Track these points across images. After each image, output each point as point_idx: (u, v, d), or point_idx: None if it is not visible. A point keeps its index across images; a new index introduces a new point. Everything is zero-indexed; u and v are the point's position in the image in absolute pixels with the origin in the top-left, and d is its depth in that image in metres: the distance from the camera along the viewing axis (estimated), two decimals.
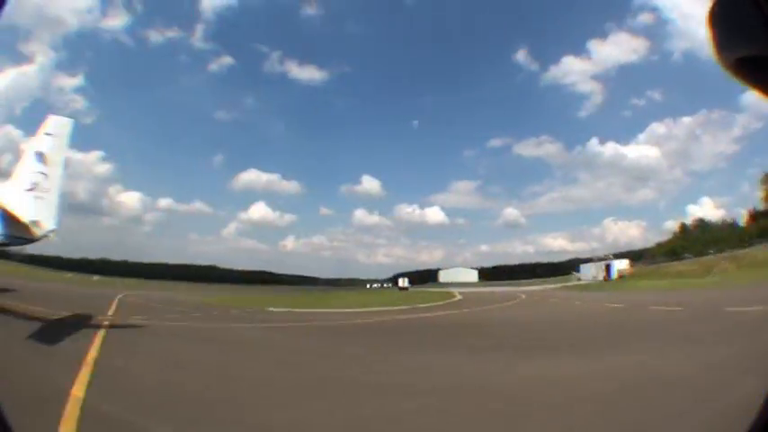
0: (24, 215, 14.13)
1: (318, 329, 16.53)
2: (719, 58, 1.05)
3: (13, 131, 55.51)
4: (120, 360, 8.74)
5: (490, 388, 6.98)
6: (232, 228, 77.58)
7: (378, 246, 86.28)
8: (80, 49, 69.45)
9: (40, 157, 15.08)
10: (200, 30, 73.31)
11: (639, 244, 67.08)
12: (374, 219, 77.94)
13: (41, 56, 60.76)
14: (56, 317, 14.26)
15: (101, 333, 11.52)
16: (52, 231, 14.95)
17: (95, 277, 46.66)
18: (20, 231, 14.44)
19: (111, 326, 14.01)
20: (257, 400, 6.41)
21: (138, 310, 21.25)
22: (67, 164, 15.80)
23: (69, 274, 44.65)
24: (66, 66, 71.87)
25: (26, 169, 15.02)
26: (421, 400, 6.26)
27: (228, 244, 77.89)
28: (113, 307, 21.05)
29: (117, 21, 64.52)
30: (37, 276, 36.47)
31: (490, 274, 73.66)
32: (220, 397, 6.40)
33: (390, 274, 76.42)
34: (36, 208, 14.65)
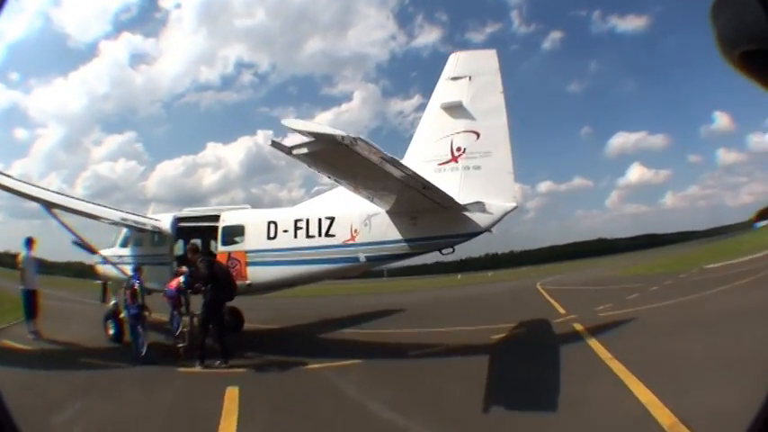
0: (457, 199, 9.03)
1: None
2: (723, 53, 1.08)
3: None
4: None
5: None
6: (614, 196, 70.77)
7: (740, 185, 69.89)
8: None
9: (457, 109, 10.00)
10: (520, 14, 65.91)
11: None
12: (732, 156, 65.63)
13: None
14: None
15: None
16: (509, 212, 9.48)
17: (489, 273, 45.01)
18: (454, 225, 9.41)
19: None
20: None
21: (605, 298, 15.40)
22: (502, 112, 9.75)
23: (489, 273, 44.37)
24: None
25: (435, 133, 10.13)
26: None
27: (612, 213, 73.47)
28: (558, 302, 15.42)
29: None
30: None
31: None
32: None
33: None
34: (474, 184, 9.57)
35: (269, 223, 10.81)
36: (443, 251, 9.78)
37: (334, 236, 10.16)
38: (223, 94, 61.92)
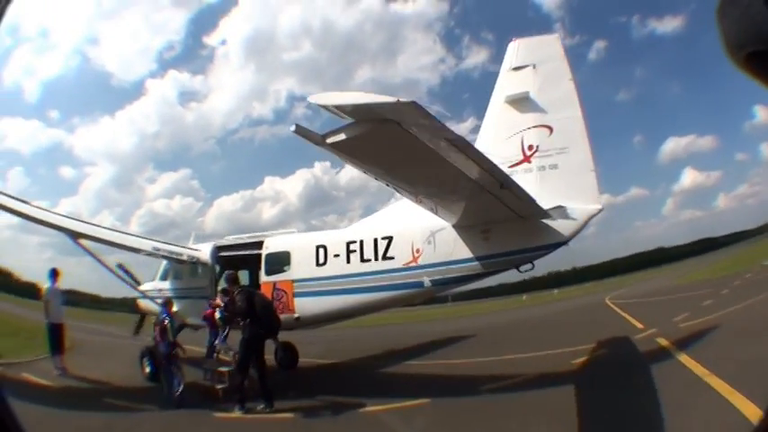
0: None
1: None
2: (729, 53, 1.09)
3: None
4: None
5: None
6: (670, 203, 69.85)
7: None
8: None
9: (524, 102, 8.70)
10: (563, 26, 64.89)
11: None
12: None
13: None
14: None
15: None
16: (593, 216, 7.99)
17: (555, 291, 42.61)
18: (534, 236, 7.99)
19: None
20: None
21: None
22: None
23: (555, 291, 42.34)
24: None
25: (502, 131, 8.80)
26: None
27: (670, 220, 69.91)
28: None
29: None
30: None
31: None
32: None
33: None
34: (552, 186, 8.13)
35: (317, 248, 9.75)
36: (521, 268, 8.33)
37: (392, 258, 8.95)
38: (277, 127, 63.73)
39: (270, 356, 10.14)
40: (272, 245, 10.46)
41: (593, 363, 9.91)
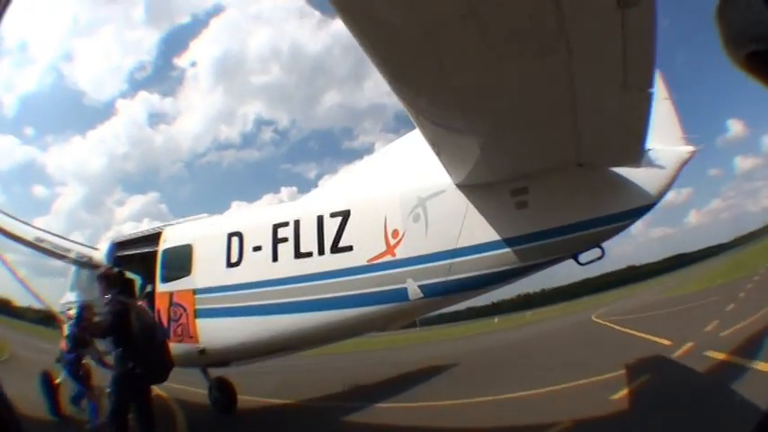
0: None
1: None
2: (729, 54, 1.06)
3: None
4: None
5: None
6: (639, 222, 69.73)
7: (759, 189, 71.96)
8: None
9: None
10: None
11: None
12: (748, 162, 65.01)
13: None
14: None
15: None
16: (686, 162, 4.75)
17: (528, 313, 40.66)
18: (603, 197, 4.58)
19: None
20: None
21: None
22: None
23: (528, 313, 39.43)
24: None
25: None
26: None
27: (639, 239, 74.12)
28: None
29: None
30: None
31: None
32: None
33: None
34: None
35: (230, 237, 5.90)
36: (581, 257, 4.71)
37: (349, 249, 5.11)
38: (244, 151, 59.80)
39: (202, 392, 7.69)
40: (170, 236, 6.64)
41: (643, 394, 7.26)
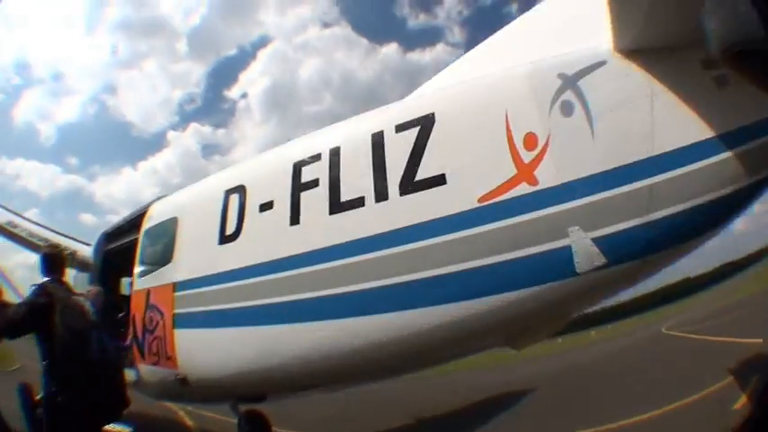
0: None
1: None
2: (716, 53, 1.09)
3: None
4: None
5: None
6: None
7: None
8: None
9: None
10: None
11: None
12: None
13: None
14: None
15: None
16: None
17: (593, 332, 37.35)
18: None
19: None
20: None
21: None
22: None
23: (593, 332, 38.49)
24: None
25: None
26: None
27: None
28: None
29: None
30: None
31: None
32: None
33: None
34: None
35: (227, 196, 3.65)
36: None
37: (441, 181, 2.68)
38: None
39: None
40: (156, 212, 4.65)
41: (764, 394, 5.91)
